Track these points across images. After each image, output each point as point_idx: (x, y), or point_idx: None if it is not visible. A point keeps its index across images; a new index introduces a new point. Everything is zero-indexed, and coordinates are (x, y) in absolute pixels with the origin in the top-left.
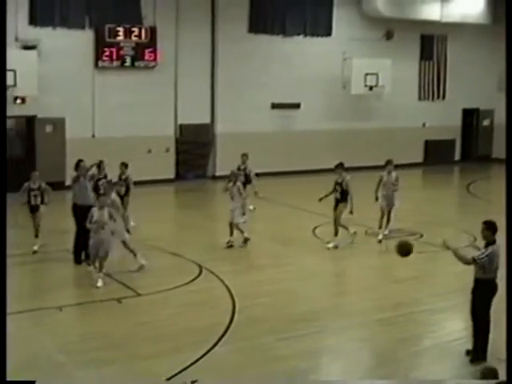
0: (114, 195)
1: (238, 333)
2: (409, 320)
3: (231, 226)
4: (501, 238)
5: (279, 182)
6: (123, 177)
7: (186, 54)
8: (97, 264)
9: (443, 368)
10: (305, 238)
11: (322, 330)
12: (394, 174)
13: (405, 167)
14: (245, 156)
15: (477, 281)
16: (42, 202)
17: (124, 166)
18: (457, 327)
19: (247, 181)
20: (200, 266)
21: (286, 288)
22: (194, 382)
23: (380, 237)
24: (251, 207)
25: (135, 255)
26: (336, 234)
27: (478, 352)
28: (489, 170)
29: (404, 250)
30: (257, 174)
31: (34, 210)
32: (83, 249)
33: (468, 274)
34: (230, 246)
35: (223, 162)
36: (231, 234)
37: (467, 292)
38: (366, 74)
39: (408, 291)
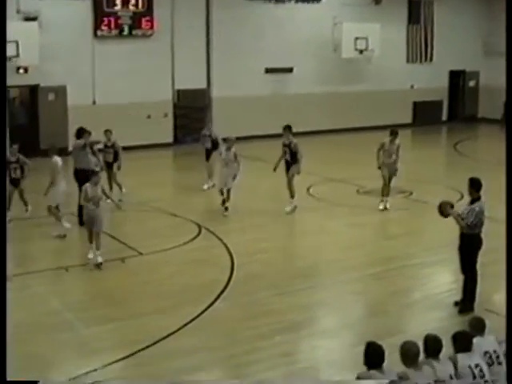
0: (55, 158)
1: (237, 289)
2: (400, 274)
3: (222, 192)
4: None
5: (273, 144)
6: (109, 144)
7: (181, 22)
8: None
9: (432, 319)
10: (300, 196)
11: (316, 285)
12: (397, 142)
13: (394, 128)
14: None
15: (462, 236)
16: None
17: (109, 132)
18: (445, 280)
19: (214, 146)
20: (199, 226)
21: (282, 245)
22: None
23: (381, 206)
24: (205, 186)
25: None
26: (292, 196)
27: (465, 303)
28: (475, 130)
29: (444, 209)
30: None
31: (14, 182)
32: None
33: (456, 229)
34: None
35: (220, 125)
36: (228, 198)
37: (455, 246)
38: (356, 38)
39: (399, 246)
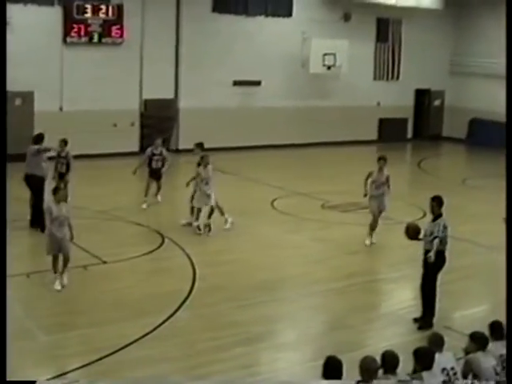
0: None
1: (198, 300)
2: (362, 289)
3: (200, 211)
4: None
5: (240, 156)
6: (63, 154)
7: (151, 32)
8: (59, 265)
9: (393, 334)
10: (264, 209)
11: (278, 298)
12: (385, 171)
13: (360, 144)
14: None
15: (428, 253)
16: None
17: (63, 142)
18: (407, 296)
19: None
20: (162, 236)
21: (245, 258)
22: None
23: (367, 242)
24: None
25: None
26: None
27: (425, 320)
28: (439, 148)
29: (411, 232)
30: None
31: None
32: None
33: (417, 246)
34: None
35: (186, 136)
36: (210, 216)
37: (417, 263)
38: (324, 54)
39: (362, 262)
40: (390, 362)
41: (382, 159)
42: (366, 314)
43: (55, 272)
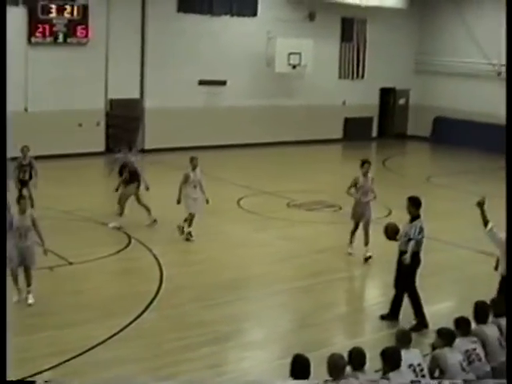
0: None
1: (165, 300)
2: (328, 287)
3: (192, 216)
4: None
5: (205, 156)
6: (25, 162)
7: (116, 32)
8: (20, 279)
9: (360, 331)
10: (230, 209)
11: (245, 297)
12: (370, 176)
13: (325, 143)
14: None
15: (402, 254)
16: None
17: (26, 148)
18: (373, 294)
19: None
20: (129, 236)
21: (211, 257)
22: None
23: (350, 250)
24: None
25: None
26: (121, 213)
27: (418, 323)
28: (404, 147)
29: (390, 232)
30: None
31: None
32: None
33: (382, 244)
34: (189, 238)
35: (152, 136)
36: (190, 224)
37: (383, 261)
38: (290, 54)
39: (328, 260)
40: (357, 359)
41: (366, 163)
42: (333, 312)
43: (16, 283)
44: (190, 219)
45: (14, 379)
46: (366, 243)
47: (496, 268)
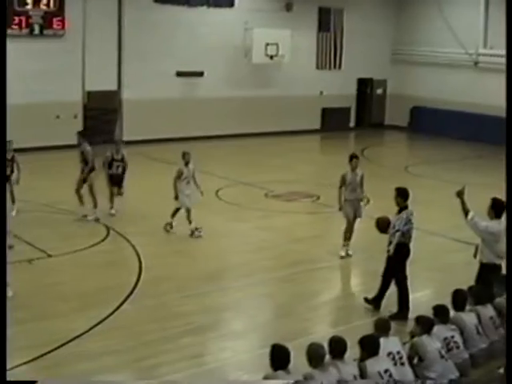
0: None
1: (144, 291)
2: (307, 276)
3: (189, 211)
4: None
5: (184, 147)
6: (8, 157)
7: (93, 23)
8: None
9: (339, 320)
10: (209, 200)
11: (224, 287)
12: (359, 171)
13: (303, 133)
14: None
15: (397, 245)
16: None
17: (10, 143)
18: (352, 283)
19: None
20: (108, 228)
21: (190, 248)
22: None
23: (342, 253)
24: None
25: None
26: (95, 205)
27: (402, 311)
28: (381, 136)
29: (381, 225)
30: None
31: None
32: None
33: (362, 232)
34: (198, 235)
35: (130, 127)
36: (191, 221)
37: (361, 250)
38: (267, 44)
39: (306, 250)
40: (337, 347)
41: (354, 158)
42: (312, 302)
43: None
44: (175, 211)
45: None
46: (349, 238)
47: (475, 256)
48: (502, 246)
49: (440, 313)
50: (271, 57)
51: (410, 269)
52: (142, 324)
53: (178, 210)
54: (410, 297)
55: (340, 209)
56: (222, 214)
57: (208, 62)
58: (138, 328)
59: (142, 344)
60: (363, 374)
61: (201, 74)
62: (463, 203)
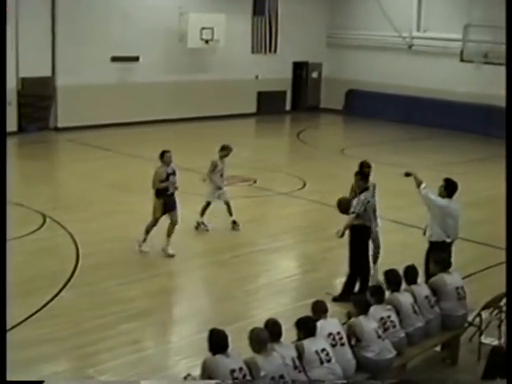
0: None
1: (83, 278)
2: (245, 260)
3: (228, 204)
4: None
5: (121, 133)
6: None
7: (26, 8)
8: None
9: (277, 303)
10: (146, 186)
11: (162, 272)
12: (371, 183)
13: (239, 117)
14: None
15: (353, 227)
16: None
17: None
18: (289, 265)
19: None
20: (44, 215)
21: (128, 234)
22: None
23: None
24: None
25: None
26: None
27: (345, 293)
28: (317, 119)
29: (343, 206)
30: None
31: None
32: None
33: (297, 216)
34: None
35: (65, 114)
36: (231, 213)
37: (297, 233)
38: (202, 28)
39: (244, 234)
40: (272, 330)
41: (364, 166)
42: (250, 285)
43: None
44: (204, 209)
45: None
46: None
47: (424, 233)
48: (451, 224)
49: (376, 293)
50: (206, 41)
51: (344, 251)
52: (81, 311)
53: (208, 205)
54: (338, 276)
55: (341, 236)
56: None
57: (143, 46)
58: (76, 315)
59: (81, 331)
60: (301, 355)
61: (136, 58)
62: (415, 177)
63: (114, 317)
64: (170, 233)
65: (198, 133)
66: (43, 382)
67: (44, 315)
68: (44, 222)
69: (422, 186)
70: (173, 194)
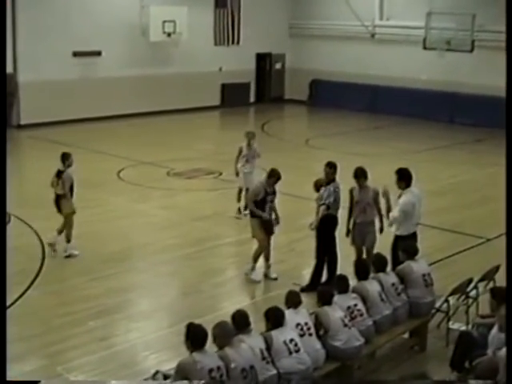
0: None
1: (49, 276)
2: (212, 253)
3: (241, 190)
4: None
5: (84, 129)
6: None
7: None
8: None
9: (244, 296)
10: (110, 181)
11: (130, 268)
12: (371, 189)
13: (203, 110)
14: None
15: (324, 217)
16: None
17: None
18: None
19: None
20: (9, 214)
21: (94, 230)
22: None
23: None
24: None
25: None
26: None
27: (312, 283)
28: (282, 111)
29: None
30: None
31: None
32: None
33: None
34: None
35: (27, 110)
36: (240, 199)
37: None
38: (164, 22)
39: (210, 227)
40: (241, 321)
41: (359, 172)
42: (217, 278)
43: None
44: (239, 194)
45: None
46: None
47: (391, 225)
48: (418, 212)
49: (339, 282)
50: (169, 34)
51: (311, 242)
52: (49, 309)
53: (241, 191)
54: (308, 270)
55: (348, 233)
56: (123, 194)
57: (105, 41)
58: (44, 313)
59: (49, 329)
60: (269, 345)
61: (98, 53)
62: (387, 200)
63: (83, 314)
64: None
65: (162, 127)
66: (36, 382)
67: (12, 314)
68: (9, 220)
69: (390, 218)
70: None
